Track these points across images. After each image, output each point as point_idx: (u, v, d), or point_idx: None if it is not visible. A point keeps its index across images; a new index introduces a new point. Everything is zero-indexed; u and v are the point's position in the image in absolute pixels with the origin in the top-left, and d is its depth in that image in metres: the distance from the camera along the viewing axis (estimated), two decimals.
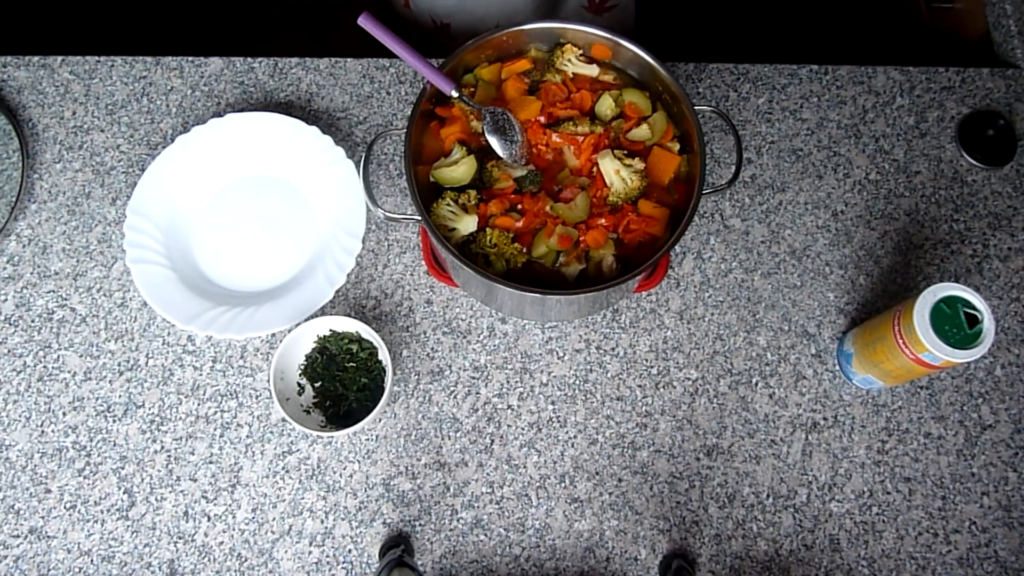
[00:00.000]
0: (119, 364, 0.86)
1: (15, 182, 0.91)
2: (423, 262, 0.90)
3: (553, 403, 0.86)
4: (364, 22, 0.71)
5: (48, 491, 0.82)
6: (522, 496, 0.83)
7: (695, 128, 0.74)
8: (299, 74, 0.99)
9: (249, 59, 1.00)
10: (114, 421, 0.84)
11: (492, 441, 0.84)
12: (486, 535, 0.82)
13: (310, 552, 0.81)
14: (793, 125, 0.98)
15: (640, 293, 0.89)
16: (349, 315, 0.86)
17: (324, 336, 0.84)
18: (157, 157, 0.91)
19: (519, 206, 0.76)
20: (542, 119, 0.78)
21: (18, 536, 0.81)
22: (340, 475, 0.83)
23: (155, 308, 0.85)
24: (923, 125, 0.98)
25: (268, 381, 0.85)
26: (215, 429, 0.84)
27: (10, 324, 0.88)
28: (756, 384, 0.87)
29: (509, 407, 0.86)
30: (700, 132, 0.74)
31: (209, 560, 0.80)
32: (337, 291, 0.88)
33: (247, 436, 0.84)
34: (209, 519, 0.81)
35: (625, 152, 0.77)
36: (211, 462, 0.83)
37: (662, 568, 0.80)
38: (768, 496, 0.83)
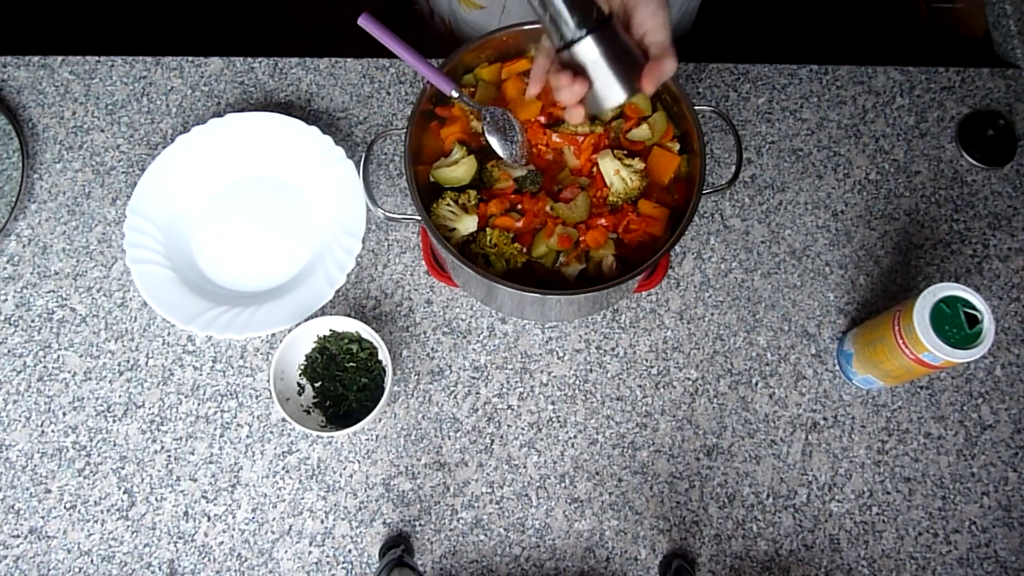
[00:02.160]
0: (119, 364, 0.86)
1: (15, 182, 0.91)
2: (423, 262, 0.90)
3: (553, 403, 0.86)
4: (364, 22, 0.71)
5: (48, 491, 0.82)
6: (522, 496, 0.83)
7: (695, 128, 0.74)
8: (299, 74, 0.99)
9: (249, 59, 1.00)
10: (114, 421, 0.84)
11: (492, 441, 0.84)
12: (486, 535, 0.82)
13: (310, 552, 0.81)
14: (793, 125, 0.98)
15: (640, 293, 0.89)
16: (349, 315, 0.86)
17: (324, 336, 0.84)
18: (157, 157, 0.91)
19: (519, 206, 0.76)
20: (542, 119, 0.78)
21: (18, 536, 0.81)
22: (340, 475, 0.83)
23: (155, 308, 0.85)
24: (923, 125, 0.98)
25: (268, 381, 0.85)
26: (215, 429, 0.84)
27: (10, 324, 0.88)
28: (756, 384, 0.87)
29: (509, 407, 0.86)
30: (700, 132, 0.74)
31: (209, 560, 0.80)
32: (337, 291, 0.87)
33: (247, 436, 0.84)
34: (209, 519, 0.81)
35: (625, 152, 0.77)
36: (211, 462, 0.83)
37: (662, 568, 0.80)
38: (768, 496, 0.83)
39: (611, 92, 0.60)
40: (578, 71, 0.59)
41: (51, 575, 0.80)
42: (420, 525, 0.82)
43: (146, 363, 0.87)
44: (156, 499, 0.82)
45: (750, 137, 0.97)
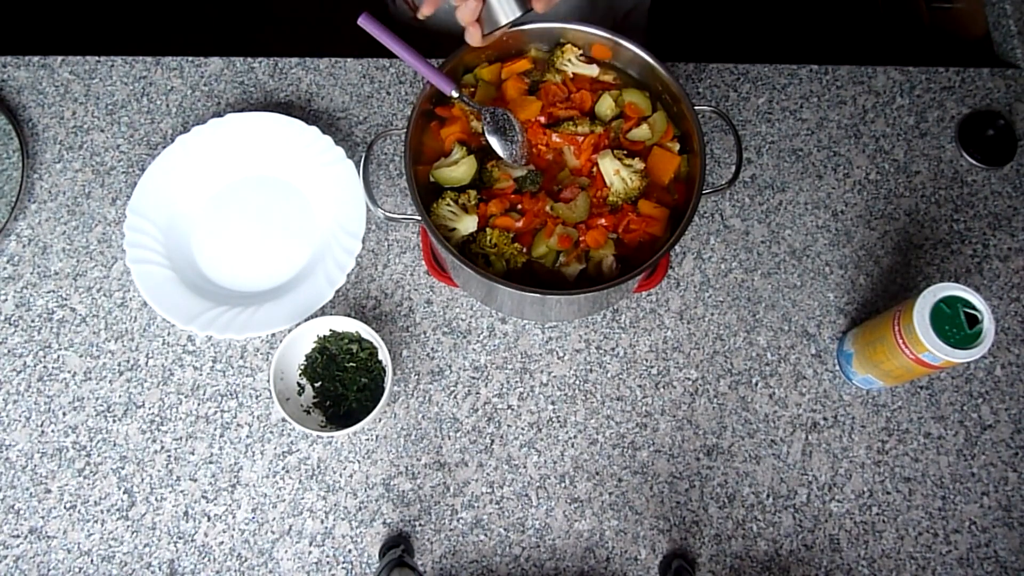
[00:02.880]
0: (119, 364, 0.86)
1: (15, 182, 0.91)
2: (423, 262, 0.90)
3: (553, 403, 0.86)
4: (364, 22, 0.71)
5: (48, 491, 0.82)
6: (522, 496, 0.83)
7: (695, 128, 0.74)
8: (299, 74, 0.99)
9: (249, 59, 1.00)
10: (114, 421, 0.84)
11: (492, 441, 0.84)
12: (486, 535, 0.82)
13: (310, 552, 0.81)
14: (793, 125, 0.98)
15: (640, 293, 0.89)
16: (349, 315, 0.86)
17: (324, 336, 0.84)
18: (157, 157, 0.91)
19: (519, 206, 0.76)
20: (542, 119, 0.78)
21: (18, 536, 0.81)
22: (340, 475, 0.83)
23: (155, 308, 0.85)
24: (923, 125, 0.98)
25: (268, 381, 0.85)
26: (215, 429, 0.84)
27: (10, 324, 0.88)
28: (756, 384, 0.87)
29: (509, 407, 0.86)
30: (700, 132, 0.74)
31: (209, 560, 0.80)
32: (337, 291, 0.88)
33: (247, 436, 0.84)
34: (209, 519, 0.81)
35: (625, 152, 0.77)
36: (211, 462, 0.83)
37: (662, 568, 0.80)
38: (768, 496, 0.83)
39: (505, 7, 0.67)
40: None
41: (51, 575, 0.80)
42: (420, 525, 0.82)
43: (146, 363, 0.87)
44: (156, 499, 0.82)
45: (750, 137, 0.97)
